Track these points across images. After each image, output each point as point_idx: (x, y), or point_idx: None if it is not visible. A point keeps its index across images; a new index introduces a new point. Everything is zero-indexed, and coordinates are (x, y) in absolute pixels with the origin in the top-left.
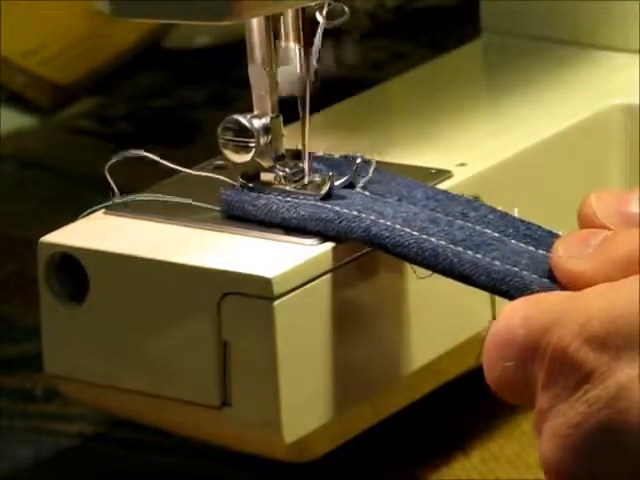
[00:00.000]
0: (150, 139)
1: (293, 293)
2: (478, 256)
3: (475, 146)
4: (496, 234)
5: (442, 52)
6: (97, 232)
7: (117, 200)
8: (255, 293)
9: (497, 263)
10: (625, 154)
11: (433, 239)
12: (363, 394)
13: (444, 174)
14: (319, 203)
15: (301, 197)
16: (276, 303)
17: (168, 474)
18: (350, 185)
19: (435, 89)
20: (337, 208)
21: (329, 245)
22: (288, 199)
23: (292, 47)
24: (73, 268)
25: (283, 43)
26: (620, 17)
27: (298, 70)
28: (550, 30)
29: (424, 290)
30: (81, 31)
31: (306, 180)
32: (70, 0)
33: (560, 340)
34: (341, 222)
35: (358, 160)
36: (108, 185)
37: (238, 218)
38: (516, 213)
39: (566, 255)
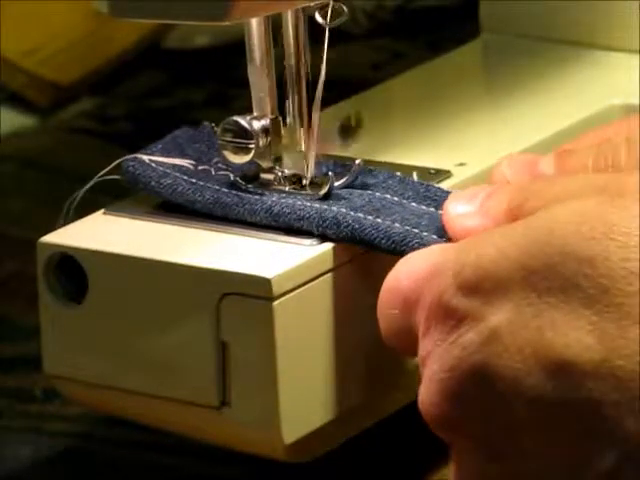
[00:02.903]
0: (149, 139)
1: (292, 293)
2: (378, 220)
3: (474, 146)
4: (396, 198)
5: (441, 52)
6: (96, 232)
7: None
8: (254, 293)
9: (397, 225)
10: None
11: (334, 208)
12: (362, 394)
13: (443, 174)
14: (224, 189)
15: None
16: (275, 303)
17: (168, 474)
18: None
19: (434, 89)
20: (241, 193)
21: (328, 245)
22: (193, 180)
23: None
24: (72, 268)
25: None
26: (620, 17)
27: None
28: (550, 30)
29: None
30: (81, 31)
31: (307, 180)
32: (70, 0)
33: (437, 288)
34: (244, 205)
35: (357, 161)
36: (107, 185)
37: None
38: (415, 177)
39: (454, 212)
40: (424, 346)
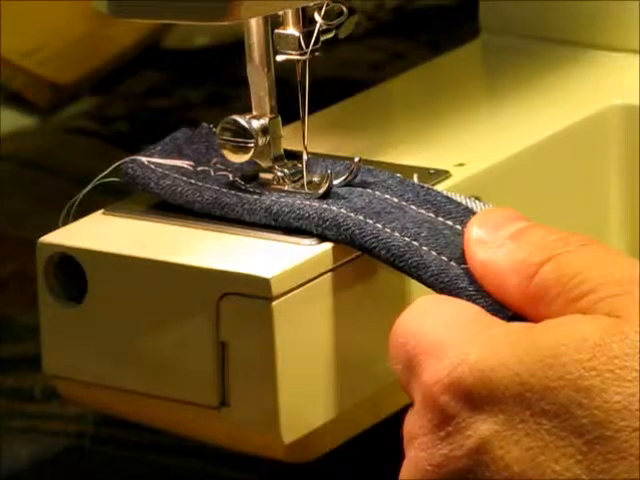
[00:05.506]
0: (149, 139)
1: (291, 293)
2: (378, 226)
3: (474, 146)
4: (395, 199)
5: (441, 52)
6: (96, 232)
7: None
8: (253, 293)
9: (397, 235)
10: (625, 154)
11: (334, 208)
12: (362, 394)
13: (443, 174)
14: (223, 189)
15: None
16: (274, 303)
17: (167, 474)
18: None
19: (434, 89)
20: (240, 193)
21: (328, 245)
22: (192, 181)
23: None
24: (72, 268)
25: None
26: (620, 17)
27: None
28: (550, 30)
29: (423, 290)
30: (81, 31)
31: (305, 179)
32: (70, 0)
33: (430, 375)
34: (243, 205)
35: (356, 159)
36: (107, 186)
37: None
38: (415, 179)
39: (475, 236)
40: (412, 420)
